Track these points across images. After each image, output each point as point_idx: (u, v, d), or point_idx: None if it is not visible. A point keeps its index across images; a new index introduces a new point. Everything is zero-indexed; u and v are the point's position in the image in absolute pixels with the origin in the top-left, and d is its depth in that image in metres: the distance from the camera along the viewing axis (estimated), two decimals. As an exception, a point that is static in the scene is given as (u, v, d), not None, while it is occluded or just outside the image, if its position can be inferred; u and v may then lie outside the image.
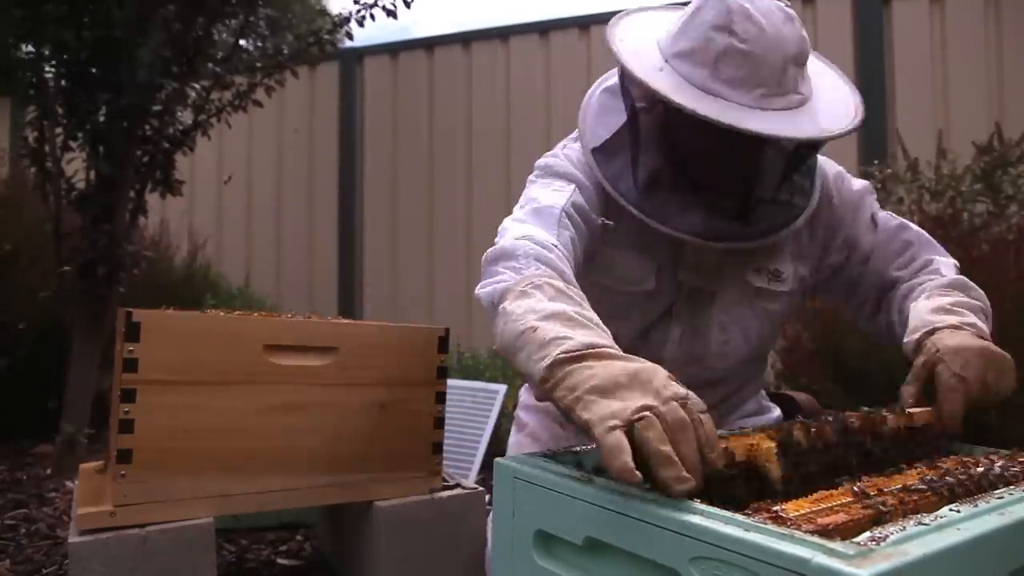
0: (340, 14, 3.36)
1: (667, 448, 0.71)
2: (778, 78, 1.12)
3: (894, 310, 1.31)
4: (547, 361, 0.83)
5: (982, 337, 1.10)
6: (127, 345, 1.35)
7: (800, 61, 1.15)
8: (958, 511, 0.68)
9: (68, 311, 2.84)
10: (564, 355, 0.82)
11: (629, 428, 0.73)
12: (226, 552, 2.04)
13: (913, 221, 2.65)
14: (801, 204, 1.29)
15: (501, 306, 0.97)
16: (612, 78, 1.36)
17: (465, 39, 4.72)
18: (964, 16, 3.70)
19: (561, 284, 0.98)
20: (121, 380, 1.35)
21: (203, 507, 1.42)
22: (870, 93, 3.83)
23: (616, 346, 0.87)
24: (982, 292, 1.24)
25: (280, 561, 2.01)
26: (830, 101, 1.20)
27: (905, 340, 1.14)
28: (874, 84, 3.81)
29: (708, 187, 1.25)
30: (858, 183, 1.39)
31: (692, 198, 1.24)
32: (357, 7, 3.30)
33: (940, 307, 1.17)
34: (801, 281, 1.36)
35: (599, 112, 1.34)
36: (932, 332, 1.10)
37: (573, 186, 1.25)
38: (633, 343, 1.29)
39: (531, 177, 1.34)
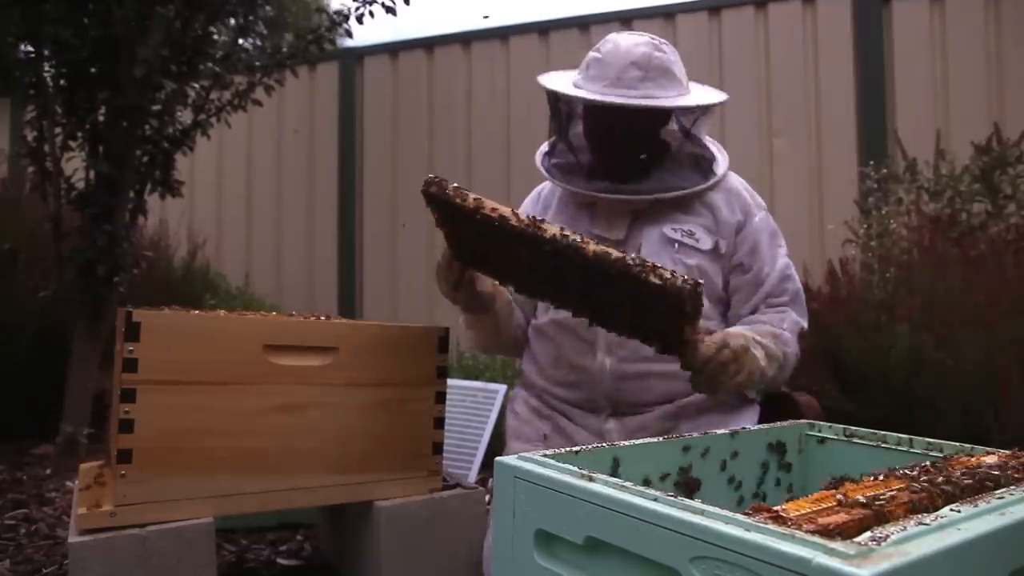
0: (339, 11, 3.36)
1: None
2: (618, 74, 1.51)
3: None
4: None
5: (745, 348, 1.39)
6: (127, 345, 1.35)
7: (645, 66, 1.52)
8: (959, 511, 0.68)
9: (68, 311, 2.84)
10: None
11: None
12: (226, 552, 2.04)
13: (911, 222, 2.68)
14: (689, 183, 1.57)
15: None
16: None
17: (465, 39, 4.72)
18: (964, 16, 3.70)
19: None
20: (121, 380, 1.35)
21: (203, 507, 1.42)
22: (870, 93, 3.83)
23: None
24: (789, 350, 1.53)
25: (280, 561, 2.02)
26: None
27: None
28: (874, 84, 3.82)
29: (604, 161, 1.61)
30: (771, 221, 1.66)
31: (597, 172, 1.60)
32: (356, 4, 3.30)
33: (763, 333, 1.48)
34: (718, 249, 1.58)
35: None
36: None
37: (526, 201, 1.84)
38: None
39: None
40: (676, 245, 1.55)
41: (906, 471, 0.85)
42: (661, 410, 1.50)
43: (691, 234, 1.57)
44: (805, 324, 1.61)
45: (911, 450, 1.07)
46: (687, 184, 1.57)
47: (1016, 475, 0.84)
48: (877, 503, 0.71)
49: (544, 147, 1.76)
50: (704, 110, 1.60)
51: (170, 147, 3.00)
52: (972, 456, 0.96)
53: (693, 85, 1.65)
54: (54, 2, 2.63)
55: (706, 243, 1.57)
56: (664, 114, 1.60)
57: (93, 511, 1.34)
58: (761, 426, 1.20)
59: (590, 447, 0.97)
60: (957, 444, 1.04)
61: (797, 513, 0.68)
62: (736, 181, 1.66)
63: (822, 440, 1.18)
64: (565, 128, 1.68)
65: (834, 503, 0.72)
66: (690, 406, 1.50)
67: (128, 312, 1.36)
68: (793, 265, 1.65)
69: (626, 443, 1.03)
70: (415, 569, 1.61)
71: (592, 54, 1.59)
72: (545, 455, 0.90)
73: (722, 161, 1.65)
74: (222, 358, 1.44)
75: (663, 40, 1.60)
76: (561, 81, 1.63)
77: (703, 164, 1.62)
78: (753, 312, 1.59)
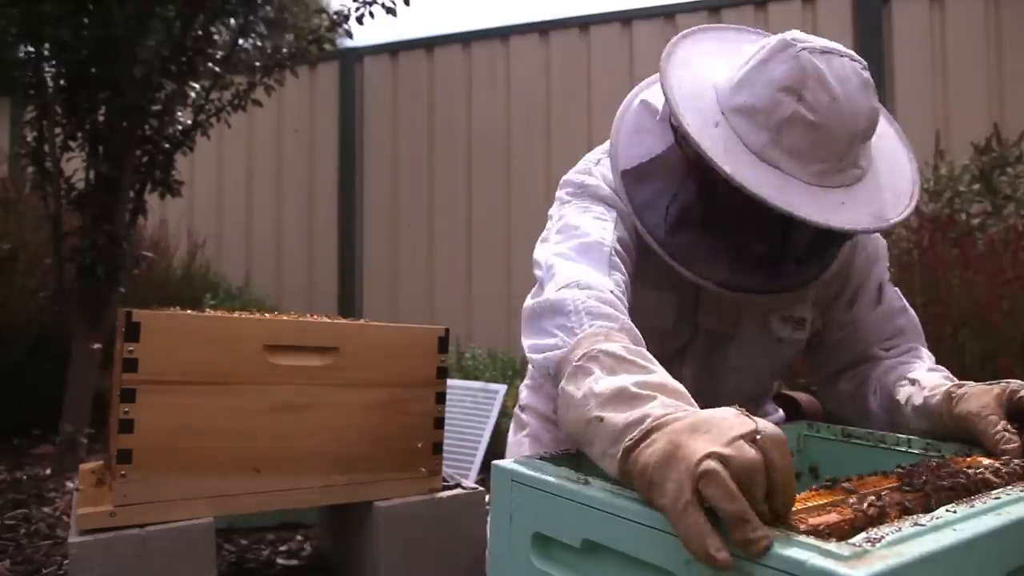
0: (339, 12, 3.36)
1: (735, 506, 0.60)
2: (841, 154, 1.05)
3: (870, 385, 1.30)
4: (619, 456, 0.75)
5: None
6: (127, 345, 1.35)
7: (868, 136, 1.09)
8: (954, 512, 0.68)
9: (68, 311, 2.85)
10: (631, 443, 0.74)
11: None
12: (226, 552, 2.04)
13: (911, 222, 2.67)
14: (829, 256, 1.23)
15: (561, 387, 0.91)
16: (653, 87, 1.28)
17: (465, 39, 4.72)
18: (964, 16, 3.70)
19: (618, 348, 0.89)
20: (121, 380, 1.35)
21: (203, 507, 1.42)
22: (869, 93, 3.83)
23: (682, 395, 0.82)
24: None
25: (280, 561, 2.02)
26: (888, 173, 1.13)
27: (927, 394, 1.12)
28: (874, 84, 3.81)
29: (739, 236, 1.15)
30: (879, 243, 1.36)
31: (721, 243, 1.15)
32: (356, 4, 3.30)
33: (949, 376, 1.18)
34: (813, 325, 1.34)
35: (634, 129, 1.24)
36: (960, 386, 1.09)
37: (615, 214, 1.19)
38: None
39: (563, 195, 1.27)
40: (779, 341, 1.27)
41: (899, 470, 0.85)
42: None
43: (801, 323, 1.27)
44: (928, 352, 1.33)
45: (910, 450, 1.07)
46: (827, 255, 1.22)
47: (1013, 475, 0.84)
48: (872, 504, 0.71)
49: (658, 212, 1.18)
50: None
51: (170, 147, 3.00)
52: (969, 456, 0.96)
53: None
54: (54, 2, 2.63)
55: (809, 327, 1.30)
56: None
57: (93, 511, 1.34)
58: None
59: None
60: (955, 444, 1.04)
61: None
62: None
63: (821, 440, 1.18)
64: (704, 202, 1.14)
65: (825, 502, 0.73)
66: None
67: (128, 312, 1.37)
68: (897, 289, 1.36)
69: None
70: (415, 569, 1.61)
71: (788, 101, 1.02)
72: (542, 458, 0.91)
73: None
74: (222, 358, 1.44)
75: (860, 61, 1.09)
76: (702, 117, 1.07)
77: None
78: (867, 363, 1.32)
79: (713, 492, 0.61)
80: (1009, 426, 0.97)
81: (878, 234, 1.35)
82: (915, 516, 0.67)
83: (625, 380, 0.83)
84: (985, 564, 0.65)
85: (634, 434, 0.74)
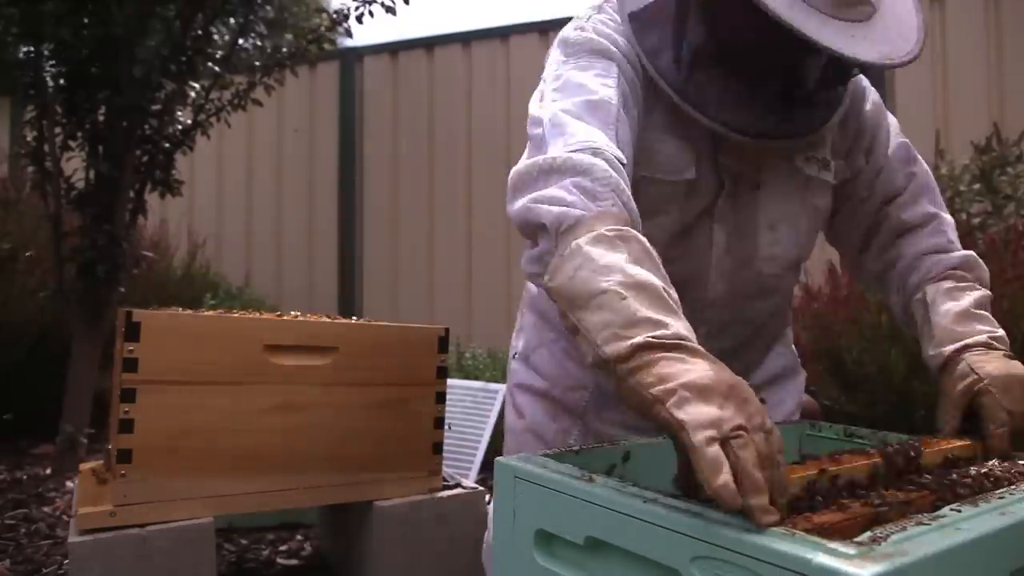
0: (339, 11, 3.35)
1: (760, 475, 0.64)
2: None
3: (893, 279, 1.28)
4: (635, 340, 0.74)
5: (1010, 356, 1.05)
6: (127, 345, 1.35)
7: None
8: (959, 511, 0.67)
9: (68, 311, 2.85)
10: (656, 340, 0.73)
11: (724, 443, 0.65)
12: (226, 552, 2.04)
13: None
14: (837, 97, 1.20)
15: (576, 242, 0.84)
16: None
17: (465, 39, 4.72)
18: (964, 16, 3.70)
19: (646, 243, 0.86)
20: (121, 380, 1.35)
21: (203, 507, 1.42)
22: (870, 93, 3.84)
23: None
24: (985, 269, 1.22)
25: (280, 561, 2.01)
26: (894, 15, 1.09)
27: (931, 352, 1.11)
28: (874, 84, 3.81)
29: (749, 75, 1.11)
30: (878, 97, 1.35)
31: (733, 85, 1.11)
32: (356, 3, 3.30)
33: (965, 312, 1.14)
34: (836, 176, 1.26)
35: None
36: (964, 350, 1.07)
37: (616, 69, 1.12)
38: (670, 249, 1.15)
39: (558, 54, 1.20)
40: (807, 183, 1.21)
41: (877, 450, 0.85)
42: None
43: (827, 165, 1.22)
44: (948, 214, 1.28)
45: (911, 450, 1.07)
46: (836, 97, 1.20)
47: (1017, 475, 0.84)
48: (875, 502, 0.71)
49: (669, 55, 1.14)
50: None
51: (170, 147, 3.00)
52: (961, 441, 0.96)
53: None
54: (54, 1, 2.63)
55: (833, 172, 1.24)
56: None
57: (93, 511, 1.34)
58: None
59: (591, 446, 0.97)
60: (958, 442, 1.04)
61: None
62: None
63: (822, 440, 1.18)
64: (724, 38, 1.09)
65: (795, 476, 0.73)
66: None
67: (128, 312, 1.36)
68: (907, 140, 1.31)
69: (627, 442, 1.02)
70: (415, 569, 1.60)
71: None
72: (546, 455, 0.90)
73: None
74: (222, 358, 1.44)
75: None
76: None
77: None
78: (872, 234, 1.28)
79: (747, 455, 0.64)
80: (955, 421, 1.02)
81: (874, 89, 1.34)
82: (920, 515, 0.67)
83: (654, 279, 0.80)
84: (990, 563, 0.65)
85: (664, 335, 0.74)
